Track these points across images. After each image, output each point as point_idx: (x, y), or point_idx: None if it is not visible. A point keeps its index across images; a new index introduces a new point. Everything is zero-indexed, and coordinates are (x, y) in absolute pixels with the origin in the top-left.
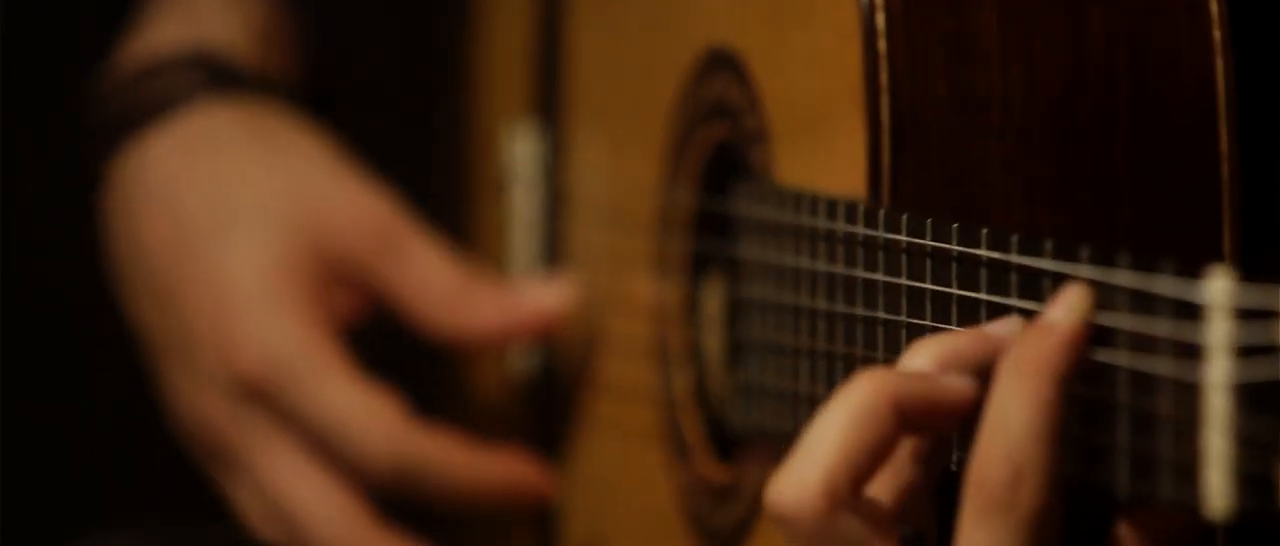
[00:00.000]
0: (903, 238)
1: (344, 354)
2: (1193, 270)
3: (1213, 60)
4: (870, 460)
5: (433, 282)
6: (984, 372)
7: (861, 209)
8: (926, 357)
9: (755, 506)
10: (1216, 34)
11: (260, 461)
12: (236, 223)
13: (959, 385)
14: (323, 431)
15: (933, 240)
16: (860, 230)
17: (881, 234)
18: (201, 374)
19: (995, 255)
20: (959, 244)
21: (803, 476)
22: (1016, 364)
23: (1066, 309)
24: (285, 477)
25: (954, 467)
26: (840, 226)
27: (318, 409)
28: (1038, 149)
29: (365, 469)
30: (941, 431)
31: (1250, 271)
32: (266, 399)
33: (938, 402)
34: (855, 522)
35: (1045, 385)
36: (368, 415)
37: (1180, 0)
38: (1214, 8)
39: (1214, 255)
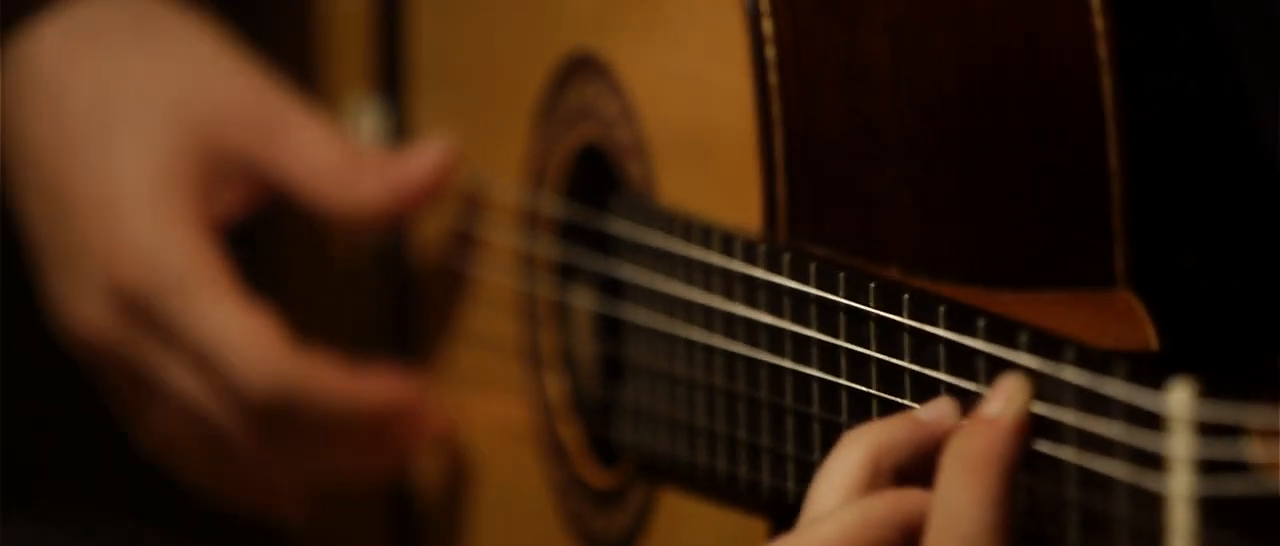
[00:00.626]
0: (811, 289)
1: (227, 270)
2: (1146, 375)
3: (1100, 78)
4: None
5: (319, 162)
6: (919, 461)
7: (762, 249)
8: (861, 450)
9: (642, 515)
10: (1102, 51)
11: (150, 372)
12: (121, 124)
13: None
14: (200, 351)
15: (846, 295)
16: (762, 273)
17: (787, 282)
18: (87, 281)
19: (924, 326)
20: (877, 306)
21: None
22: (963, 457)
23: (1005, 399)
24: (178, 387)
25: None
26: (737, 266)
27: (196, 328)
28: (933, 173)
29: (243, 391)
30: None
31: (1142, 290)
32: (145, 314)
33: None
34: None
35: (994, 480)
36: (246, 337)
37: (1067, 18)
38: (1099, 24)
39: (1106, 274)
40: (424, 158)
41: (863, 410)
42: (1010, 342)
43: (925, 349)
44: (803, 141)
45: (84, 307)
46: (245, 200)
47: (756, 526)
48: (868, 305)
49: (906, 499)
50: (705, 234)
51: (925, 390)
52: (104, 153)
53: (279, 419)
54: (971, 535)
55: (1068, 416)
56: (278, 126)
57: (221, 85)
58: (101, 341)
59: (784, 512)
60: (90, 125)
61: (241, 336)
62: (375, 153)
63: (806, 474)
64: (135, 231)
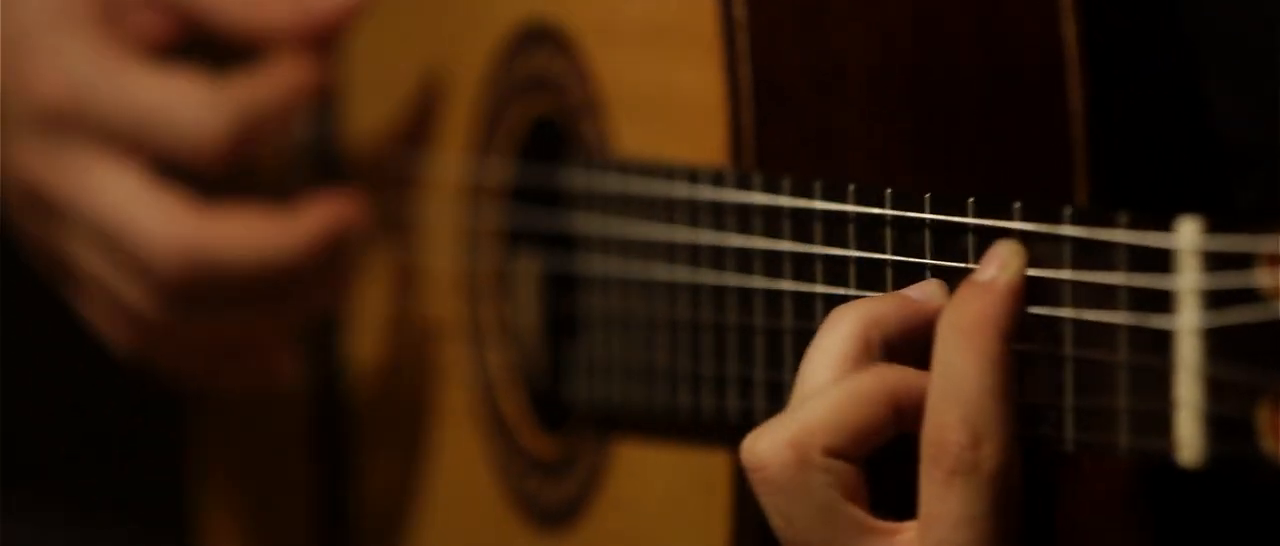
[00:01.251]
0: (785, 200)
1: (141, 53)
2: (1150, 220)
3: (1061, 17)
4: (855, 443)
5: None
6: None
7: (732, 174)
8: (851, 323)
9: (590, 481)
10: None
11: (85, 191)
12: None
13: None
14: (141, 125)
15: (822, 199)
16: (739, 196)
17: (764, 198)
18: (12, 123)
19: (922, 215)
20: (859, 203)
21: (780, 432)
22: (958, 323)
23: (1000, 264)
24: (112, 197)
25: None
26: (705, 193)
27: (129, 104)
28: (893, 112)
29: (193, 151)
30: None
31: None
32: (76, 119)
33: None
34: (823, 483)
35: (992, 343)
36: (180, 93)
37: None
38: None
39: None
40: None
41: None
42: (1004, 214)
43: (908, 238)
44: (768, 75)
45: (16, 152)
46: (159, 27)
47: (717, 469)
48: (847, 204)
49: (894, 373)
50: (669, 170)
51: (911, 280)
52: None
53: (192, 287)
54: (972, 398)
55: (1065, 274)
56: None
57: None
58: (36, 181)
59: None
60: None
61: (174, 92)
62: None
63: (777, 393)
64: (44, 52)
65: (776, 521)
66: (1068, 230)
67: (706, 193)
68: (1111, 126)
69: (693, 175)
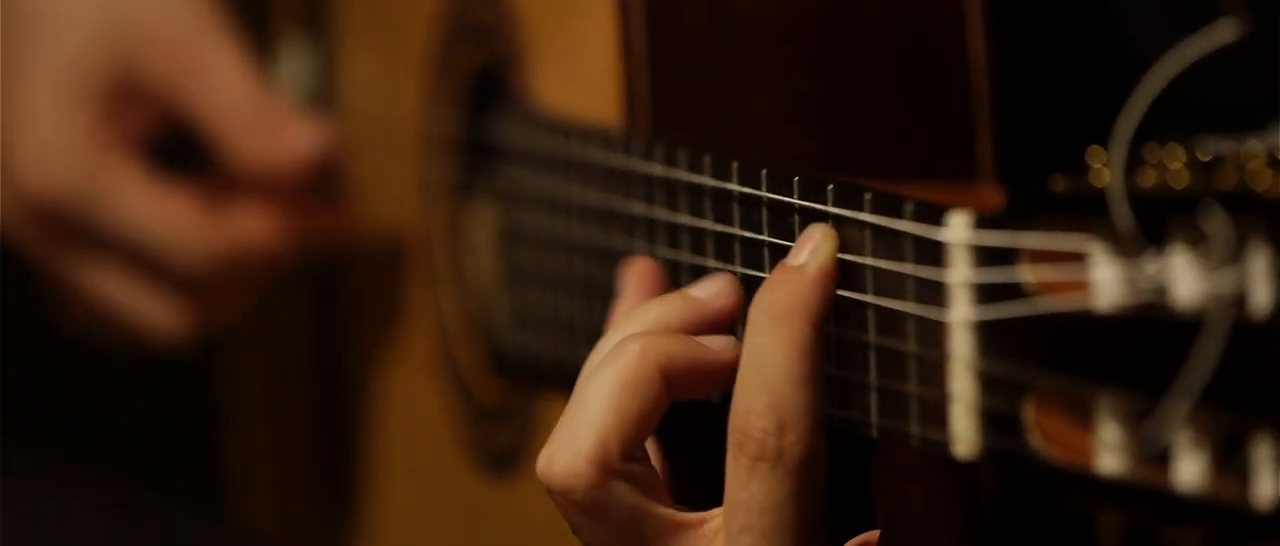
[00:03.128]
0: (655, 169)
1: (135, 165)
2: (934, 212)
3: None
4: (640, 427)
5: (221, 107)
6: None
7: (616, 138)
8: (638, 330)
9: (527, 427)
10: None
11: (72, 272)
12: (50, 21)
13: (724, 346)
14: (133, 247)
15: (687, 171)
16: (612, 160)
17: (632, 164)
18: (3, 182)
19: (746, 189)
20: (712, 176)
21: (573, 446)
22: (768, 308)
23: (811, 249)
24: (101, 284)
25: (712, 400)
26: (595, 156)
27: (119, 227)
28: (795, 70)
29: (185, 268)
30: (705, 395)
31: (1007, 182)
32: (66, 222)
33: (705, 366)
34: (627, 489)
35: (800, 327)
36: (170, 222)
37: None
38: None
39: (969, 166)
40: (304, 138)
41: None
42: (819, 197)
43: (751, 215)
44: (664, 32)
45: (9, 202)
46: (153, 124)
47: None
48: (679, 171)
49: (656, 343)
50: (559, 126)
51: (753, 255)
52: (29, 45)
53: (218, 276)
54: (778, 385)
55: (868, 260)
56: (197, 61)
57: (153, 6)
58: (16, 239)
59: None
60: (29, 13)
61: (164, 221)
62: (273, 110)
63: None
64: (41, 142)
65: (587, 538)
66: (866, 217)
67: (592, 154)
68: (1015, 78)
69: (576, 133)
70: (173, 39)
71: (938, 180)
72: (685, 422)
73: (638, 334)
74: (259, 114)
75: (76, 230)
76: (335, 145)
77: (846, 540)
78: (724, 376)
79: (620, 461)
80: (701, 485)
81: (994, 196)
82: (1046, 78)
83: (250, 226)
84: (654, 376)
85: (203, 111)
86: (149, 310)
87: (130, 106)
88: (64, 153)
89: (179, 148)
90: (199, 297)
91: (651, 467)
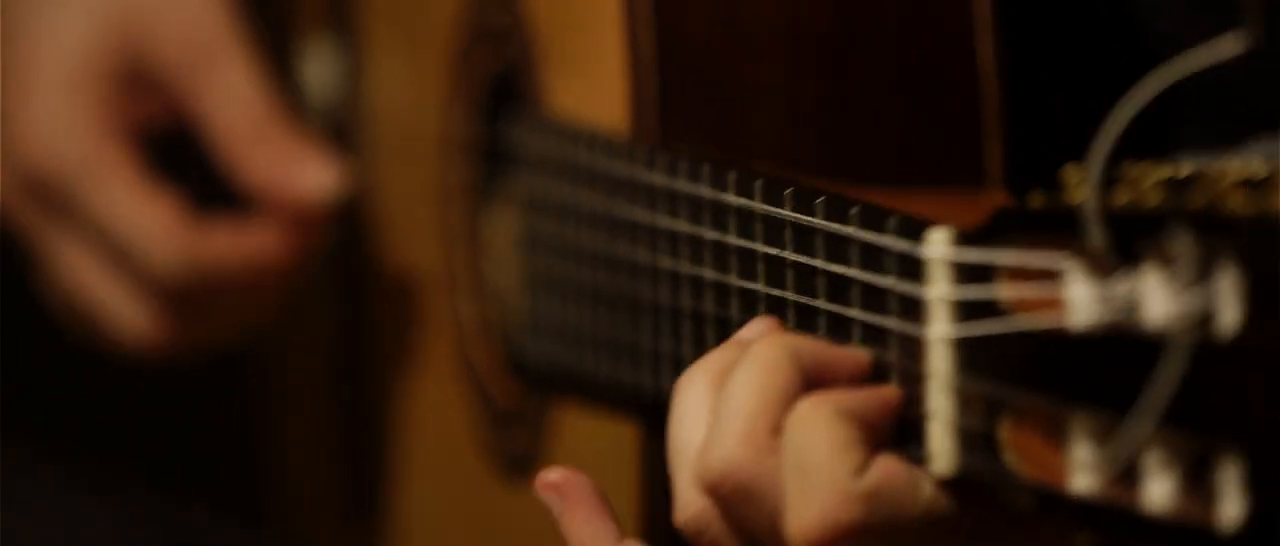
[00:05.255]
0: (656, 178)
1: (131, 160)
2: (916, 227)
3: None
4: (781, 405)
5: (230, 116)
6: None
7: (619, 145)
8: (700, 389)
9: (543, 431)
10: None
11: (52, 253)
12: (62, 3)
13: (850, 351)
14: (110, 240)
15: (687, 181)
16: (619, 168)
17: (637, 173)
18: (1, 149)
19: (741, 201)
20: (711, 186)
21: (724, 434)
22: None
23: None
24: (80, 271)
25: None
26: (605, 163)
27: (100, 220)
28: (803, 76)
29: (153, 275)
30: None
31: (1016, 189)
32: (53, 199)
33: (833, 356)
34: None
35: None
36: (149, 226)
37: None
38: None
39: (978, 173)
40: (310, 178)
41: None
42: (808, 209)
43: (747, 226)
44: (672, 39)
45: (4, 172)
46: (157, 117)
47: (628, 439)
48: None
49: (780, 335)
50: (571, 133)
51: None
52: (37, 25)
53: (191, 293)
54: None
55: (854, 273)
56: (209, 61)
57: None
58: (7, 209)
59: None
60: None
61: (145, 223)
62: (286, 129)
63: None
64: (42, 114)
65: (750, 529)
66: (852, 231)
67: (601, 161)
68: (1024, 85)
69: (586, 140)
70: (188, 31)
71: (946, 187)
72: None
73: (774, 334)
74: (267, 128)
75: (60, 209)
76: (353, 183)
77: None
78: (851, 373)
79: (769, 438)
80: None
81: (1000, 204)
82: (1056, 85)
83: (234, 248)
84: (785, 358)
85: (209, 110)
86: (119, 310)
87: (135, 93)
88: (61, 129)
89: (181, 150)
90: (174, 311)
91: None
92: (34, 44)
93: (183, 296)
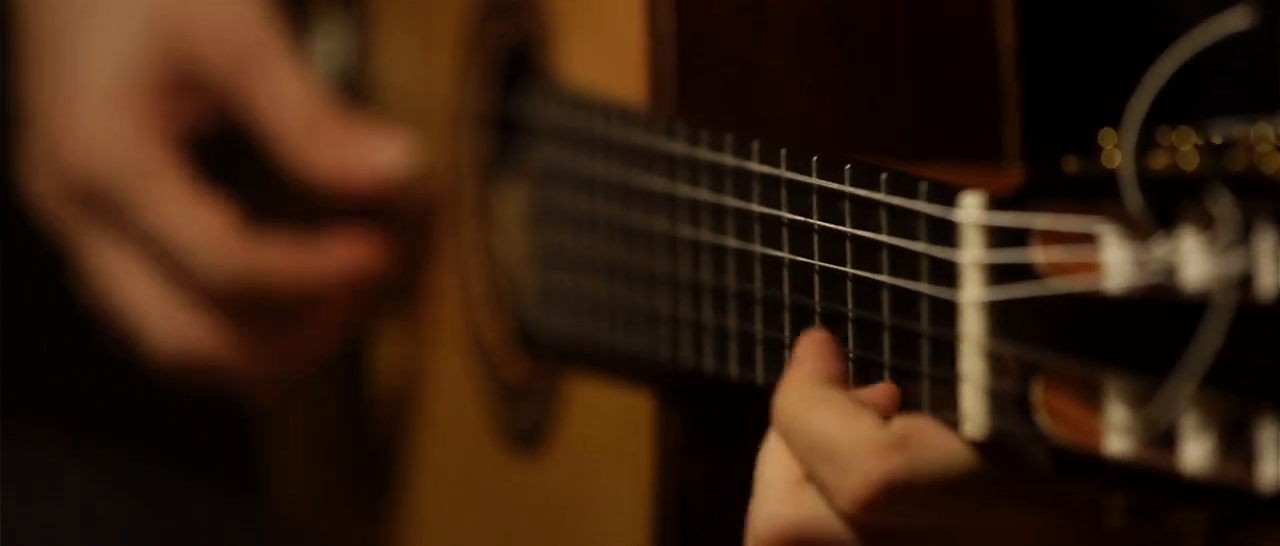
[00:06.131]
0: (677, 147)
1: (181, 167)
2: (948, 192)
3: None
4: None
5: (284, 112)
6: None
7: (639, 116)
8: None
9: (553, 405)
10: None
11: (96, 261)
12: (104, 9)
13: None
14: (160, 246)
15: (709, 150)
16: (637, 139)
17: (655, 143)
18: (41, 156)
19: (766, 168)
20: (733, 155)
21: (758, 506)
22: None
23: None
24: (120, 280)
25: None
26: (621, 134)
27: (153, 226)
28: (818, 49)
29: (205, 283)
30: None
31: (1034, 164)
32: (101, 207)
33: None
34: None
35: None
36: (201, 232)
37: None
38: None
39: (996, 150)
40: (381, 155)
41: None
42: (836, 177)
43: (770, 194)
44: (690, 11)
45: (37, 180)
46: (206, 118)
47: (643, 408)
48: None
49: None
50: (590, 105)
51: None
52: (81, 32)
53: (242, 305)
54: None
55: (883, 238)
56: (256, 61)
57: (211, 2)
58: (50, 216)
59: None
60: (78, 3)
61: (196, 229)
62: (340, 121)
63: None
64: (89, 123)
65: None
66: (881, 197)
67: (617, 132)
68: (1043, 59)
69: (601, 111)
70: (231, 34)
71: (964, 162)
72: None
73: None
74: (324, 117)
75: (108, 217)
76: (419, 157)
77: None
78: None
79: (798, 487)
80: None
81: (1019, 179)
82: (1075, 59)
83: (289, 261)
84: (800, 416)
85: (262, 110)
86: (155, 320)
87: (182, 100)
88: (111, 138)
89: (228, 157)
90: (225, 324)
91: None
92: (77, 54)
93: (234, 306)
